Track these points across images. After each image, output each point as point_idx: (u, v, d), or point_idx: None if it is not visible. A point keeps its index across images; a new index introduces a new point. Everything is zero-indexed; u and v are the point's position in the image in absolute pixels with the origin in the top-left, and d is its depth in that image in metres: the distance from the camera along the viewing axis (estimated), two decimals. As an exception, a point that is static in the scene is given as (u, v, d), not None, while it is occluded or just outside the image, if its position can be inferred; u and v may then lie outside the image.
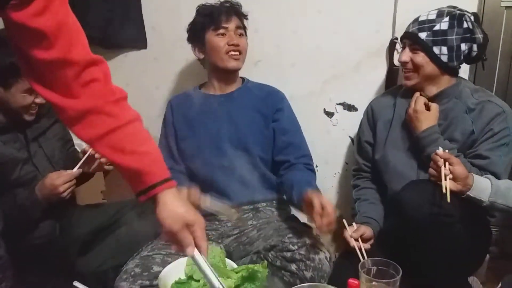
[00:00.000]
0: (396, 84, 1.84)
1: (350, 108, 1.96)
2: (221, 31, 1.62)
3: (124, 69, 2.13)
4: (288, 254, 1.32)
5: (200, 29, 1.66)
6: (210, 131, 1.64)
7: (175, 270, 1.20)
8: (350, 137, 1.97)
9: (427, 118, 1.47)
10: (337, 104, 1.97)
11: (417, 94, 1.53)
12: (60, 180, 1.41)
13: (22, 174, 1.46)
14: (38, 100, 1.42)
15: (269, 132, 1.67)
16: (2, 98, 1.41)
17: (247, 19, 1.74)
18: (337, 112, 1.98)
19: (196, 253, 0.94)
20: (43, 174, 1.48)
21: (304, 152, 1.66)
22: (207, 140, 1.63)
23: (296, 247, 1.33)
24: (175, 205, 0.93)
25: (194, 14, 1.71)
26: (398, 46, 1.82)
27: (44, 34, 0.82)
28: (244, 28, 1.71)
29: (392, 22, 1.82)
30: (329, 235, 1.29)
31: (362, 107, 1.85)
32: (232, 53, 1.62)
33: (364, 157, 1.71)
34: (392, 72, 1.86)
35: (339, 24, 1.88)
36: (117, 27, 2.03)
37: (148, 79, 2.16)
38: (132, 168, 0.91)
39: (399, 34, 1.79)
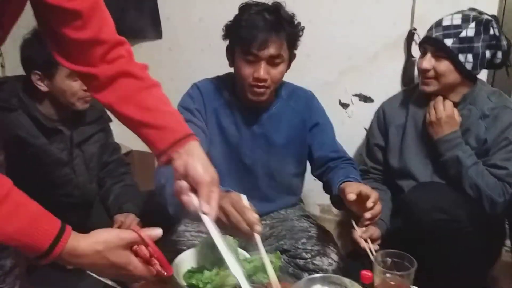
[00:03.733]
0: (413, 77, 1.82)
1: (366, 99, 1.93)
2: (250, 58, 1.30)
3: (139, 60, 2.08)
4: (301, 262, 1.30)
5: (230, 41, 1.40)
6: (241, 149, 1.45)
7: (188, 258, 1.20)
8: (365, 128, 1.95)
9: (450, 123, 1.43)
10: (353, 95, 1.95)
11: (441, 98, 1.47)
12: None
13: (61, 175, 1.49)
14: (84, 87, 1.42)
15: (304, 149, 1.50)
16: (51, 91, 1.43)
17: (299, 36, 1.37)
18: (353, 104, 1.96)
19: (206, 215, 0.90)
20: (79, 179, 1.52)
21: (342, 155, 1.48)
22: (236, 157, 1.46)
23: (309, 255, 1.31)
24: (206, 159, 0.92)
25: (208, 4, 1.66)
26: (417, 37, 1.79)
27: (80, 14, 0.84)
28: (290, 48, 1.35)
29: (410, 13, 1.78)
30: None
31: (378, 99, 1.82)
32: (256, 89, 1.34)
33: (373, 159, 1.68)
34: (409, 64, 1.83)
35: (356, 14, 1.85)
36: (132, 17, 2.04)
37: (162, 70, 2.16)
38: (157, 124, 0.92)
39: (417, 25, 1.77)
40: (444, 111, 1.43)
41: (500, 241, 1.50)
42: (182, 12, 2.06)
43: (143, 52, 2.16)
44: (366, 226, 1.21)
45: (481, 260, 1.36)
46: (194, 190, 0.91)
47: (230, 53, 1.39)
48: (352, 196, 1.14)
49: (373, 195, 1.17)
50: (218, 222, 1.00)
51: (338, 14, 1.86)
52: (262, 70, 1.30)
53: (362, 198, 1.17)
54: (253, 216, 0.99)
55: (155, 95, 0.96)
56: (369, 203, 1.16)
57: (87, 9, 0.84)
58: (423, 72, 1.45)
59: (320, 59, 1.94)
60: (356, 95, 1.94)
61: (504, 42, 1.42)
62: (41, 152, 1.44)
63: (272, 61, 1.31)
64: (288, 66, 1.40)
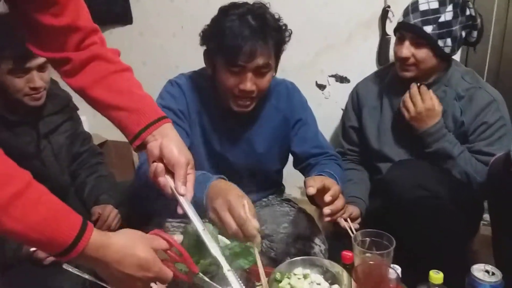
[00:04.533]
0: (388, 56, 1.81)
1: (342, 80, 1.93)
2: (235, 69, 1.19)
3: (110, 46, 2.06)
4: (283, 247, 1.29)
5: (210, 48, 1.25)
6: (224, 153, 1.38)
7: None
8: (342, 109, 1.95)
9: (432, 115, 1.41)
10: (329, 76, 1.94)
11: (416, 89, 1.43)
12: None
13: (30, 168, 1.43)
14: (32, 85, 1.36)
15: (288, 147, 1.45)
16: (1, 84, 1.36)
17: (286, 42, 1.27)
18: (329, 85, 1.95)
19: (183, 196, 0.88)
20: (49, 171, 1.47)
21: (325, 150, 1.43)
22: (219, 160, 1.39)
23: (290, 239, 1.29)
24: (180, 141, 0.91)
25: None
26: (391, 14, 1.78)
27: (57, 0, 0.83)
28: (277, 56, 1.26)
29: (384, -10, 1.77)
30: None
31: (354, 79, 1.81)
32: (240, 101, 1.25)
33: (349, 141, 1.68)
34: (384, 42, 1.82)
35: (330, -7, 1.83)
36: (100, 2, 1.96)
37: (134, 55, 2.10)
38: (129, 107, 0.90)
39: (391, 2, 1.76)
40: (424, 104, 1.41)
41: (478, 215, 1.53)
42: (152, -6, 2.01)
43: (113, 38, 2.09)
44: (326, 222, 1.16)
45: (461, 235, 1.39)
46: (170, 172, 0.90)
47: (210, 60, 1.27)
48: (311, 190, 1.08)
49: (333, 188, 1.12)
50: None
51: (311, -6, 1.84)
52: (249, 82, 1.19)
53: (325, 192, 1.12)
54: (253, 227, 0.92)
55: (127, 79, 0.95)
56: (327, 197, 1.10)
57: None
58: (402, 60, 1.42)
59: (295, 40, 1.90)
60: (332, 76, 1.93)
61: (479, 20, 1.42)
62: (6, 147, 1.38)
63: (259, 71, 1.20)
64: (275, 72, 1.30)
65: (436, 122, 1.41)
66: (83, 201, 1.56)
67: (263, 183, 1.50)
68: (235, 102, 1.25)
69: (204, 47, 1.28)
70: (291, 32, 1.27)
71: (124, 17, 2.05)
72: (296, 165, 1.48)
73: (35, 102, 1.39)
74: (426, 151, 1.44)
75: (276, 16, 1.25)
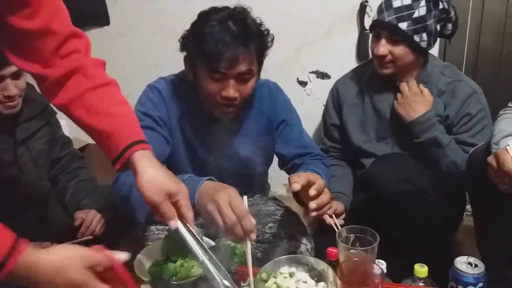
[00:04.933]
0: (367, 51, 1.82)
1: (323, 76, 1.93)
2: (217, 76, 1.16)
3: (88, 48, 2.04)
4: (269, 247, 1.27)
5: (191, 54, 1.22)
6: (207, 160, 1.35)
7: (152, 252, 1.17)
8: (324, 105, 1.95)
9: (422, 102, 1.41)
10: (310, 72, 1.94)
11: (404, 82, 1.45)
12: None
13: (6, 176, 1.40)
14: (6, 93, 1.33)
15: (271, 147, 1.42)
16: None
17: (268, 47, 1.24)
18: (311, 81, 1.95)
19: (180, 225, 0.88)
20: (28, 178, 1.43)
21: (310, 151, 1.41)
22: (202, 166, 1.36)
23: (276, 239, 1.27)
24: (155, 172, 0.86)
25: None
26: (369, 9, 1.79)
27: (28, 1, 0.80)
28: (260, 61, 1.23)
29: (361, -15, 1.78)
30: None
31: (335, 75, 1.82)
32: (224, 108, 1.22)
33: (331, 139, 1.68)
34: (363, 37, 1.83)
35: (309, -12, 1.83)
36: (76, 3, 1.92)
37: (113, 57, 2.07)
38: (104, 130, 0.87)
39: (369, -4, 1.77)
40: (409, 90, 1.42)
41: (461, 206, 1.55)
42: (130, -7, 1.98)
43: (91, 39, 2.05)
44: (312, 218, 1.15)
45: (445, 227, 1.40)
46: None
47: (191, 66, 1.24)
48: (296, 186, 1.06)
49: (318, 182, 1.10)
50: (208, 219, 0.98)
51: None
52: (231, 89, 1.17)
53: (310, 188, 1.10)
54: (251, 223, 0.92)
55: (105, 96, 0.90)
56: (311, 191, 1.08)
57: None
58: (379, 57, 1.42)
59: (276, 36, 1.90)
60: (313, 72, 1.94)
61: (453, 13, 1.43)
62: None
63: (241, 78, 1.17)
64: (258, 76, 1.27)
65: (426, 111, 1.40)
66: (65, 207, 1.53)
67: (248, 185, 1.47)
68: (218, 109, 1.23)
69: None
70: (273, 37, 1.25)
71: (101, 18, 2.01)
72: (281, 166, 1.47)
73: (10, 110, 1.36)
74: (415, 141, 1.43)
75: (258, 21, 1.22)
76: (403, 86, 1.45)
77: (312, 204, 1.11)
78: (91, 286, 0.74)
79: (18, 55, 0.86)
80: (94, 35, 2.05)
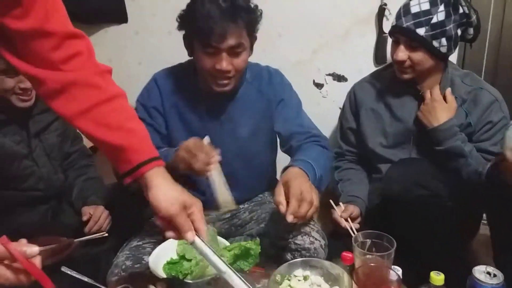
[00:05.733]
0: (385, 54, 1.81)
1: (340, 78, 1.92)
2: (210, 50, 1.25)
3: (105, 46, 2.05)
4: (283, 243, 1.28)
5: (186, 32, 1.32)
6: (204, 130, 1.38)
7: (167, 250, 1.18)
8: (340, 108, 1.94)
9: (446, 110, 1.40)
10: (327, 75, 1.93)
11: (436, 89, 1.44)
12: None
13: (21, 168, 1.41)
14: (22, 85, 1.35)
15: (271, 128, 1.46)
16: None
17: (258, 21, 1.31)
18: (327, 84, 1.94)
19: (196, 238, 0.88)
20: (42, 170, 1.45)
21: (307, 130, 1.43)
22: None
23: (291, 235, 1.28)
24: (169, 186, 0.87)
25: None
26: (387, 12, 1.77)
27: (19, 1, 0.76)
28: (251, 35, 1.30)
29: (381, -12, 1.76)
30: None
31: (352, 78, 1.81)
32: (219, 81, 1.30)
33: (347, 142, 1.67)
34: (381, 40, 1.82)
35: (326, -10, 1.82)
36: (93, 1, 1.94)
37: (130, 54, 2.08)
38: (118, 145, 0.86)
39: (387, 0, 1.75)
40: (432, 97, 1.41)
41: (478, 214, 1.52)
42: (147, -8, 1.98)
43: (108, 37, 2.07)
44: (291, 223, 1.13)
45: (461, 234, 1.38)
46: None
47: (188, 43, 1.33)
48: (282, 209, 1.12)
49: (291, 202, 1.10)
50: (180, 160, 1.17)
51: (308, -9, 1.83)
52: (224, 62, 1.25)
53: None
54: (209, 154, 1.15)
55: (116, 109, 0.88)
56: (288, 217, 1.10)
57: None
58: (398, 63, 1.42)
59: (292, 38, 1.91)
60: (329, 74, 1.92)
61: (474, 17, 1.41)
62: None
63: (233, 51, 1.26)
64: (251, 51, 1.35)
65: (449, 119, 1.39)
66: (71, 203, 1.54)
67: (257, 174, 1.49)
68: (215, 82, 1.30)
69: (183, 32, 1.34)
70: (262, 11, 1.31)
71: (119, 16, 2.02)
72: (281, 146, 1.49)
73: (24, 103, 1.38)
74: (437, 148, 1.41)
75: None
76: (427, 93, 1.44)
77: (289, 217, 1.11)
78: None
79: (15, 55, 0.83)
80: (112, 32, 2.06)
